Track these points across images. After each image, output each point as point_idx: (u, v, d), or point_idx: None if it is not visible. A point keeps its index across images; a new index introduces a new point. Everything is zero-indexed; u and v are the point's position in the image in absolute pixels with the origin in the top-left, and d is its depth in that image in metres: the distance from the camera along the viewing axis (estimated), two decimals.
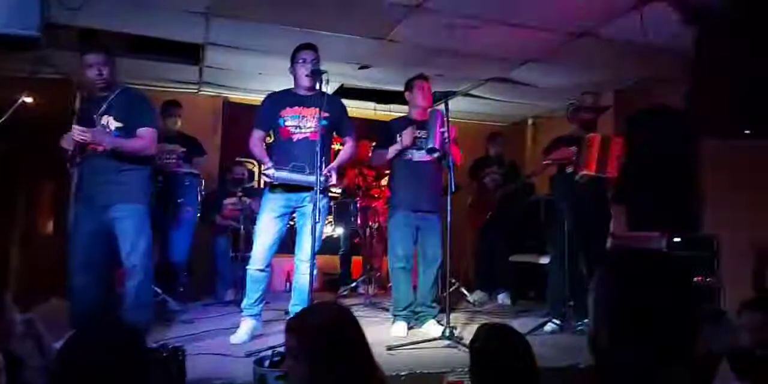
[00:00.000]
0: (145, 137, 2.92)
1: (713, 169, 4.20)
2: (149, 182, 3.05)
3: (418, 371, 2.46)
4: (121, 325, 1.38)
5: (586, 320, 3.40)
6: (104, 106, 2.87)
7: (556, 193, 3.87)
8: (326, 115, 3.05)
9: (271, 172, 3.00)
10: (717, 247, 3.99)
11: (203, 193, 4.45)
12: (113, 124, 2.88)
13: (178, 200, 4.05)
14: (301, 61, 3.13)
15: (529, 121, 6.39)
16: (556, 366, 2.65)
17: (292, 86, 3.24)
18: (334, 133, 3.34)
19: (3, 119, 2.56)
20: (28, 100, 3.42)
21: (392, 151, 3.41)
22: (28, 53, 2.25)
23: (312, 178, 2.88)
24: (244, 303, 3.14)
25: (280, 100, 3.20)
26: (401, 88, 3.65)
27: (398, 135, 3.43)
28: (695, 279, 3.80)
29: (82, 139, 2.77)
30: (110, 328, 1.33)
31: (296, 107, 3.13)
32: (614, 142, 3.61)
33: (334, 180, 3.12)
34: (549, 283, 3.78)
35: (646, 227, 4.24)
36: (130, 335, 1.32)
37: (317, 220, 2.87)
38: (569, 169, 3.65)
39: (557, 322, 3.53)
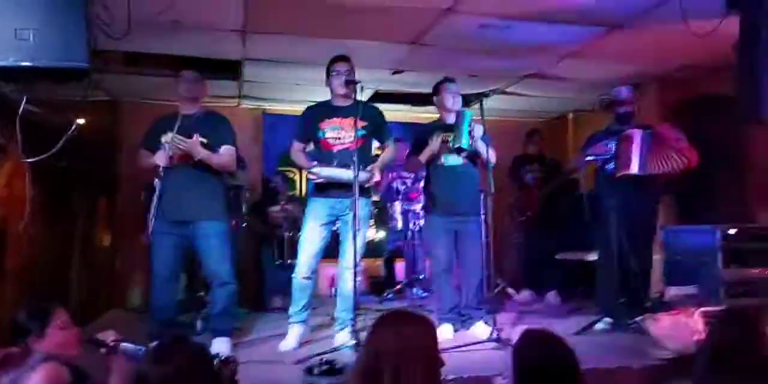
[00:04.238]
0: (228, 154, 3.11)
1: (765, 158, 4.02)
2: (226, 198, 3.22)
3: (465, 375, 2.47)
4: (191, 342, 1.46)
5: (638, 318, 3.33)
6: (190, 123, 3.04)
7: (600, 189, 3.79)
8: (364, 124, 3.12)
9: (316, 170, 3.07)
10: None
11: (248, 202, 4.57)
12: (198, 140, 3.02)
13: None
14: (335, 73, 3.20)
15: (570, 116, 6.26)
16: (607, 367, 2.61)
17: (329, 98, 3.31)
18: (375, 141, 3.39)
19: (61, 143, 2.71)
20: (81, 121, 3.60)
21: (423, 156, 3.41)
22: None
23: (358, 176, 2.93)
24: (291, 310, 3.21)
25: (318, 113, 3.27)
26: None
27: (430, 139, 3.43)
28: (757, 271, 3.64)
29: (183, 148, 2.94)
30: (183, 346, 1.40)
31: (334, 118, 3.20)
32: (665, 129, 3.47)
33: (377, 177, 3.16)
34: (598, 281, 3.71)
35: (696, 219, 4.10)
36: (200, 352, 1.41)
37: (358, 227, 2.92)
38: (609, 166, 3.57)
39: (609, 320, 3.46)
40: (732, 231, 3.71)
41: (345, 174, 3.02)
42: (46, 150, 2.64)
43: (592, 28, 3.64)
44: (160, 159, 2.98)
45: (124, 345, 1.91)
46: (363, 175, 3.02)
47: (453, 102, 3.45)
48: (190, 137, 2.99)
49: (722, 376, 1.41)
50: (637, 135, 3.48)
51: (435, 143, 3.35)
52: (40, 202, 3.19)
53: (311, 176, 3.15)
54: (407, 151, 3.77)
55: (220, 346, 2.94)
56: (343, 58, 3.23)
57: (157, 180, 3.03)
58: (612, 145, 3.56)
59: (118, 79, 4.37)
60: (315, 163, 3.13)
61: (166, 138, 3.01)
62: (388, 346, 1.31)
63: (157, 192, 3.01)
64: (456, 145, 3.29)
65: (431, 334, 1.37)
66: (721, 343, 1.46)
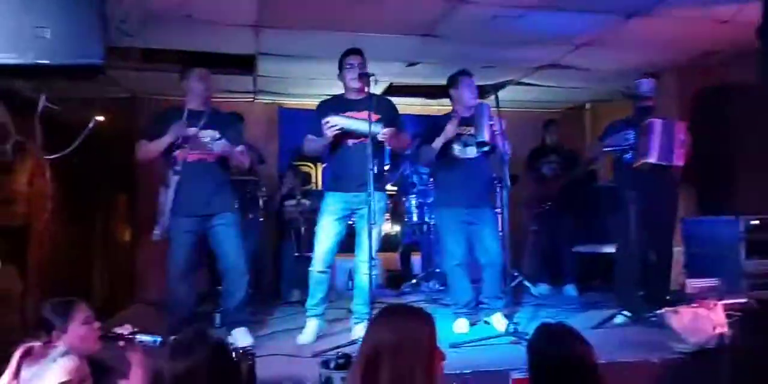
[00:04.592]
0: (246, 153, 3.21)
1: None
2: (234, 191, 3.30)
3: (482, 369, 2.46)
4: (212, 337, 1.48)
5: (658, 311, 3.28)
6: (203, 121, 3.08)
7: (619, 180, 3.74)
8: (378, 117, 3.11)
9: (332, 118, 3.03)
10: None
11: (265, 197, 4.60)
12: (215, 138, 3.07)
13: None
14: (348, 66, 3.19)
15: (587, 106, 6.17)
16: (626, 361, 2.58)
17: (342, 92, 3.31)
18: None
19: (78, 141, 2.74)
20: (100, 119, 3.64)
21: (438, 142, 3.34)
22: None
23: (373, 127, 2.93)
24: (308, 304, 3.23)
25: (332, 107, 3.26)
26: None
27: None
28: None
29: (227, 154, 3.02)
30: (204, 341, 1.42)
31: (348, 112, 3.18)
32: (677, 127, 3.46)
33: (393, 131, 3.11)
34: (617, 273, 3.67)
35: (718, 211, 4.03)
36: (221, 346, 1.42)
37: (374, 221, 2.92)
38: (628, 156, 3.52)
39: (627, 313, 3.42)
40: (754, 222, 3.64)
41: (358, 122, 3.01)
42: (66, 147, 2.68)
43: (609, 16, 3.58)
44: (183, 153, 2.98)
45: (140, 336, 1.95)
46: (377, 128, 2.99)
47: (470, 96, 3.41)
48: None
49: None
50: (657, 124, 3.44)
51: (450, 128, 3.30)
52: (61, 198, 3.24)
53: (327, 128, 3.03)
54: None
55: (242, 336, 2.98)
56: (355, 52, 3.21)
57: (173, 176, 3.03)
58: (631, 136, 3.52)
59: (135, 76, 4.42)
60: (331, 114, 3.08)
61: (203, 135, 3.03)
62: (386, 340, 1.31)
63: (172, 188, 3.01)
64: (478, 139, 3.25)
65: (430, 328, 1.37)
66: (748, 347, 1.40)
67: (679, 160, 3.45)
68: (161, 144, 3.03)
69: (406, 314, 1.40)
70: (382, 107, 3.19)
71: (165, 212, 3.01)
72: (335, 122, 3.03)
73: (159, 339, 1.97)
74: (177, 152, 3.03)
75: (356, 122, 3.04)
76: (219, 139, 3.05)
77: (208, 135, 3.05)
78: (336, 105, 3.26)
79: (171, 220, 3.02)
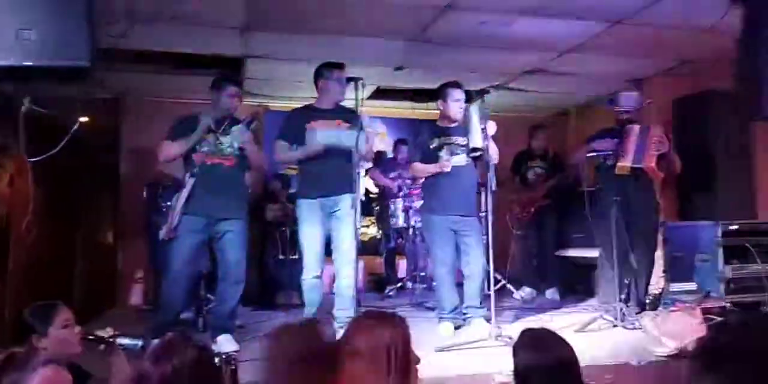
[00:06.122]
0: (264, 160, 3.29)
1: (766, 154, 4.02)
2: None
3: (466, 373, 2.48)
4: (193, 341, 1.47)
5: (639, 315, 3.33)
6: (224, 127, 3.10)
7: (602, 185, 3.80)
8: (348, 125, 3.15)
9: (316, 134, 3.06)
10: None
11: (248, 201, 4.57)
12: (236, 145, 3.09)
13: None
14: (336, 79, 3.21)
15: (572, 111, 6.24)
16: (608, 364, 2.62)
17: (314, 101, 3.34)
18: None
19: (63, 143, 2.72)
20: (84, 119, 3.61)
21: (432, 170, 3.40)
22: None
23: (354, 136, 2.94)
24: (308, 311, 3.19)
25: (305, 115, 3.29)
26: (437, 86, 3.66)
27: (429, 143, 3.45)
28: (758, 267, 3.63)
29: (245, 145, 3.05)
30: (186, 345, 1.42)
31: (320, 120, 3.21)
32: (651, 131, 3.52)
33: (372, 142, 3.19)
34: (599, 277, 3.72)
35: (698, 216, 4.10)
36: (202, 350, 1.42)
37: (357, 226, 2.94)
38: (610, 161, 3.58)
39: (608, 317, 3.46)
40: (733, 227, 3.71)
41: (343, 133, 3.03)
42: (50, 149, 2.65)
43: (593, 23, 3.64)
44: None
45: (121, 339, 1.93)
46: (362, 139, 2.99)
47: (457, 111, 3.42)
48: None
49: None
50: (635, 129, 3.53)
51: (444, 164, 3.35)
52: (43, 200, 3.20)
53: (311, 144, 3.09)
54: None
55: (227, 343, 2.96)
56: (342, 66, 3.24)
57: (189, 178, 3.01)
58: (614, 141, 3.60)
59: (121, 77, 4.39)
60: (313, 130, 3.10)
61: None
62: (360, 347, 1.34)
63: (187, 189, 2.99)
64: (472, 146, 3.25)
65: (403, 333, 1.39)
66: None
67: (650, 163, 3.51)
68: (188, 142, 3.02)
69: (378, 321, 1.43)
70: (352, 119, 3.18)
71: (175, 212, 2.98)
72: (321, 135, 3.06)
73: (140, 343, 1.95)
74: (195, 155, 3.03)
75: (342, 133, 3.03)
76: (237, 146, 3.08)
77: (227, 141, 3.06)
78: (308, 114, 3.28)
79: (181, 219, 2.98)
